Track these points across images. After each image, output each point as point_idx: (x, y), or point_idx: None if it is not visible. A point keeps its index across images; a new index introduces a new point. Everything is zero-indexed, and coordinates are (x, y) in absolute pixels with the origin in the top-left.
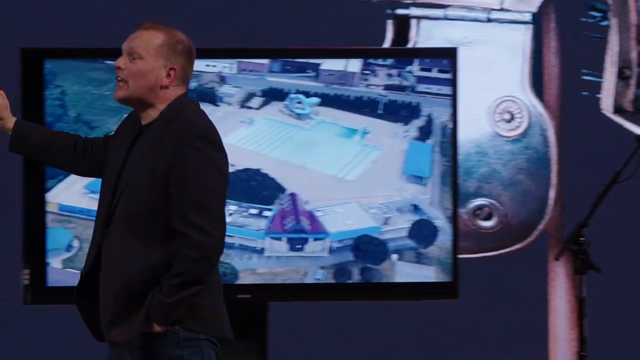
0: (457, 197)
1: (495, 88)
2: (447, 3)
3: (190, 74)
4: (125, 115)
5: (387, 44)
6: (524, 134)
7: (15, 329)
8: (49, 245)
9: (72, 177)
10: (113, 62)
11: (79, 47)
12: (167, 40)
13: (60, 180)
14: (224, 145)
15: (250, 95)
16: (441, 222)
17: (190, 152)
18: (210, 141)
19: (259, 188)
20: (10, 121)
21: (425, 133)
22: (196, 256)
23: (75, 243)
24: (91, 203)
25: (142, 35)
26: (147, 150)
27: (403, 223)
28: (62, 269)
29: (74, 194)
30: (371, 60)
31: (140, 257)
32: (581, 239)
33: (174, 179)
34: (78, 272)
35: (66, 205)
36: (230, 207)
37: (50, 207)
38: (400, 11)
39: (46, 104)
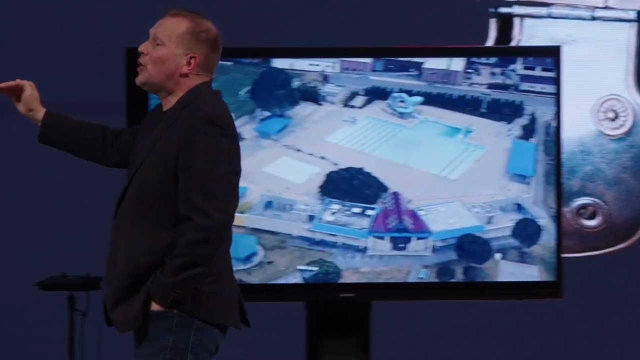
0: (561, 196)
1: (599, 86)
2: (550, 1)
3: (214, 63)
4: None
5: (490, 42)
6: (628, 133)
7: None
8: None
9: None
10: (220, 62)
11: None
12: (191, 29)
13: None
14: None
15: (353, 94)
16: (545, 221)
17: (199, 137)
18: (220, 127)
19: (362, 187)
20: (40, 112)
21: (528, 132)
22: (197, 239)
23: None
24: None
25: (167, 22)
26: (161, 134)
27: (506, 222)
28: None
29: None
30: (474, 59)
31: (146, 240)
32: None
33: (182, 163)
34: None
35: None
36: (333, 206)
37: None
38: (503, 10)
39: (150, 103)
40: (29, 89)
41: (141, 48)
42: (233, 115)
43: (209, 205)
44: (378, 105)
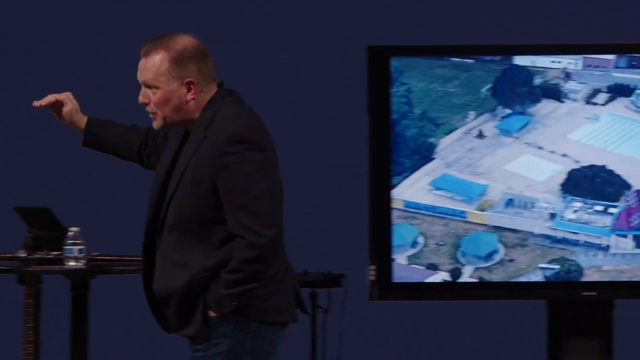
0: None
1: None
2: None
3: (211, 69)
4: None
5: None
6: None
7: (363, 324)
8: (394, 242)
9: (417, 174)
10: (459, 59)
11: (424, 45)
12: (170, 58)
13: (406, 177)
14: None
15: (596, 91)
16: None
17: (230, 159)
18: (247, 142)
19: (604, 185)
20: (82, 122)
21: None
22: (251, 257)
23: (420, 239)
24: (437, 199)
25: (147, 65)
26: (188, 159)
27: None
28: (407, 265)
29: (419, 190)
30: None
31: (199, 262)
32: None
33: (221, 187)
34: (423, 268)
35: (411, 202)
36: (575, 204)
37: (395, 204)
38: None
39: (392, 101)
40: (69, 104)
41: (141, 99)
42: (474, 113)
43: (257, 224)
44: (621, 102)
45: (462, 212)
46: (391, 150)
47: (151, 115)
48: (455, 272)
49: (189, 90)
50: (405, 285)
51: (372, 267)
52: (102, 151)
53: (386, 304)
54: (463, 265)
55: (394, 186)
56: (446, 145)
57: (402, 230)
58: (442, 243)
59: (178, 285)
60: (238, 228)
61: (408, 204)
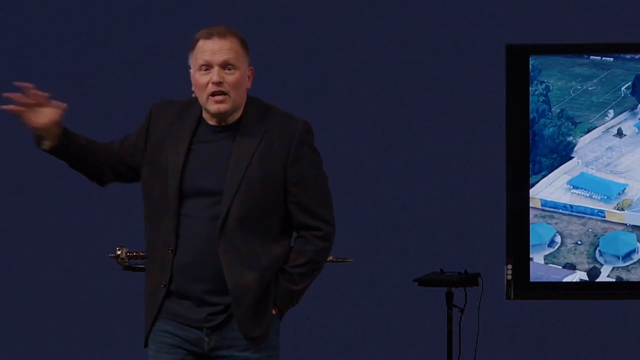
0: None
1: None
2: None
3: None
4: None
5: None
6: None
7: (499, 323)
8: (532, 241)
9: (555, 173)
10: (599, 58)
11: (563, 43)
12: (243, 43)
13: (544, 176)
14: None
15: None
16: None
17: (305, 150)
18: (313, 134)
19: None
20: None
21: None
22: (325, 247)
23: (558, 239)
24: (574, 199)
25: (227, 45)
26: (251, 151)
27: None
28: (545, 264)
29: (556, 189)
30: None
31: (268, 254)
32: None
33: (294, 177)
34: (560, 267)
35: (549, 201)
36: None
37: (533, 203)
38: None
39: (531, 99)
40: (58, 117)
41: (215, 78)
42: (613, 111)
43: (327, 213)
44: None
45: (601, 211)
46: (529, 149)
47: (220, 98)
48: (593, 272)
49: (249, 77)
50: (542, 284)
51: (509, 266)
52: (69, 157)
53: (523, 303)
54: (601, 264)
55: (532, 185)
56: (585, 144)
57: (539, 230)
58: (579, 242)
59: (250, 280)
60: (313, 218)
61: (545, 203)
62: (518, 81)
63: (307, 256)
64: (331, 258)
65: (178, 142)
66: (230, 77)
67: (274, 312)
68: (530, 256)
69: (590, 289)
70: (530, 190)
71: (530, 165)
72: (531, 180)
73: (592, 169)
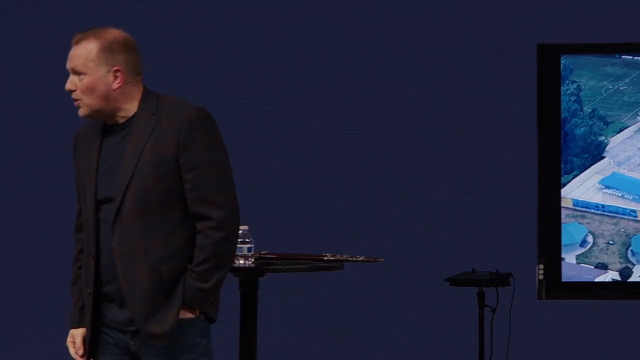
0: None
1: None
2: None
3: (139, 64)
4: None
5: None
6: None
7: (531, 323)
8: (564, 241)
9: (587, 173)
10: (630, 57)
11: (595, 42)
12: (100, 46)
13: (575, 176)
14: None
15: None
16: None
17: (197, 135)
18: (212, 119)
19: None
20: None
21: None
22: (224, 235)
23: (589, 238)
24: (606, 198)
25: (77, 51)
26: (142, 141)
27: None
28: (577, 264)
29: (588, 189)
30: None
31: (163, 246)
32: None
33: (186, 164)
34: (592, 267)
35: (581, 201)
36: None
37: (565, 203)
38: None
39: (562, 99)
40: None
41: (68, 86)
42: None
43: (223, 198)
44: None
45: (633, 211)
46: (561, 149)
47: (76, 103)
48: (625, 272)
49: (115, 78)
50: (574, 284)
51: (541, 266)
52: None
53: (555, 303)
54: (633, 264)
55: (564, 185)
56: (616, 143)
57: (571, 229)
58: (611, 242)
59: (142, 274)
60: (206, 206)
61: (577, 203)
62: (549, 81)
63: (208, 250)
64: (362, 258)
65: (91, 151)
66: (81, 83)
67: (189, 313)
68: (562, 256)
69: (622, 288)
70: (562, 190)
71: (562, 165)
72: (563, 180)
73: (624, 168)
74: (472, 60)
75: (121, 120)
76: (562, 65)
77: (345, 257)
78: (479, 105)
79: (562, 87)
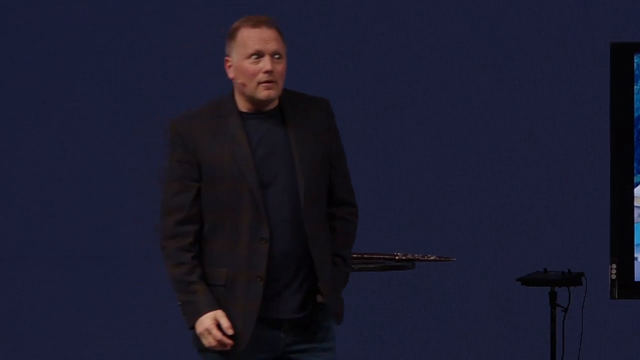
0: None
1: None
2: None
3: None
4: None
5: None
6: None
7: (603, 323)
8: (636, 240)
9: None
10: None
11: None
12: (282, 35)
13: None
14: None
15: None
16: None
17: (335, 124)
18: None
19: None
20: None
21: None
22: (357, 224)
23: None
24: None
25: (276, 35)
26: (302, 131)
27: None
28: None
29: None
30: None
31: (326, 231)
32: None
33: (336, 152)
34: None
35: None
36: None
37: (637, 202)
38: None
39: (635, 98)
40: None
41: (269, 67)
42: None
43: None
44: None
45: None
46: (634, 147)
47: (270, 85)
48: None
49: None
50: None
51: (614, 265)
52: None
53: (627, 303)
54: None
55: (636, 184)
56: None
57: None
58: None
59: (325, 259)
60: (351, 195)
61: None
62: (622, 80)
63: (352, 236)
64: (434, 257)
65: (233, 138)
66: (279, 66)
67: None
68: (635, 255)
69: None
70: (635, 189)
71: (635, 164)
72: (636, 179)
73: None
74: (545, 60)
75: (270, 108)
76: (635, 64)
77: (416, 256)
78: (552, 104)
79: (635, 86)
